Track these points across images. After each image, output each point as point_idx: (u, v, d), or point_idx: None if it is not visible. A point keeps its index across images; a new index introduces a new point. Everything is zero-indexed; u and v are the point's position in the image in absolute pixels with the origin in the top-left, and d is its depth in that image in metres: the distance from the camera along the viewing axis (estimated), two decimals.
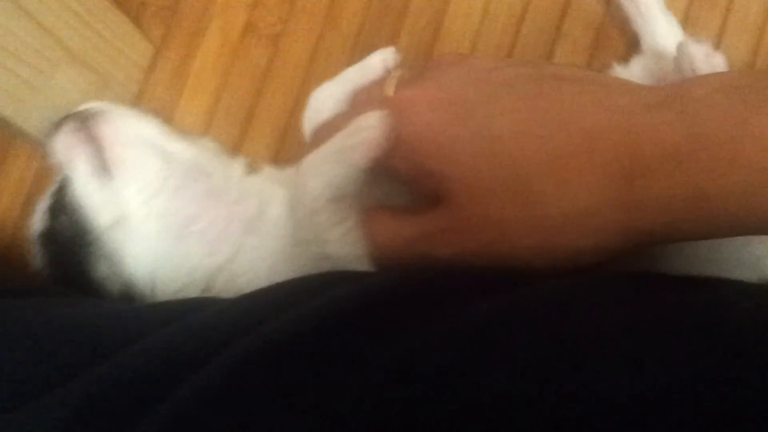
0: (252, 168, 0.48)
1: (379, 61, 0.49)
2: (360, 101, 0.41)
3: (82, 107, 0.44)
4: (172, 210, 0.40)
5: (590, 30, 0.52)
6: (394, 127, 0.34)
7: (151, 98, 0.54)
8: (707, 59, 0.41)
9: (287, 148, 0.53)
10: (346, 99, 0.45)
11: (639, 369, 0.25)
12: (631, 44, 0.51)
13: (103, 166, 0.40)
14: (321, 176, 0.36)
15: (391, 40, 0.53)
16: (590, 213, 0.31)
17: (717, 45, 0.51)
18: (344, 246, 0.37)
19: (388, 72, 0.48)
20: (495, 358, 0.27)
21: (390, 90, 0.38)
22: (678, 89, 0.31)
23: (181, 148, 0.43)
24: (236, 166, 0.46)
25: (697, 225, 0.30)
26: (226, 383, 0.27)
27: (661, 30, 0.50)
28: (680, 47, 0.42)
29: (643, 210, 0.30)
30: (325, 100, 0.47)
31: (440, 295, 0.32)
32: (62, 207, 0.41)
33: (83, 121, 0.42)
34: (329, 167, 0.36)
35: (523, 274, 0.32)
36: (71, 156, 0.41)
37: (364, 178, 0.36)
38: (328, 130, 0.38)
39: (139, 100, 0.53)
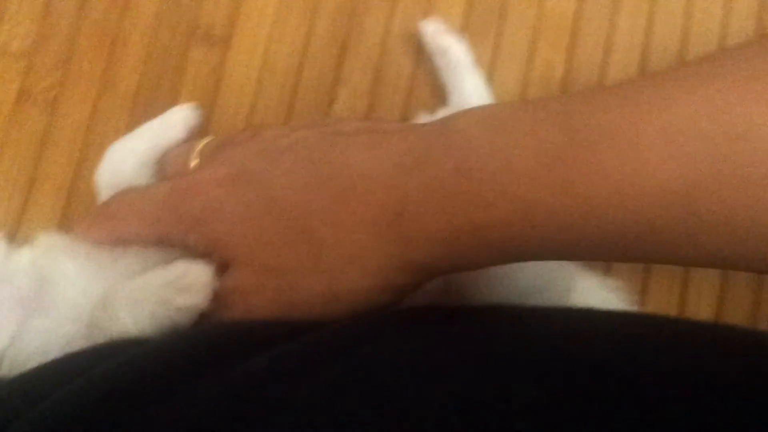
0: (25, 239, 0.47)
1: (180, 119, 0.49)
2: (167, 173, 0.43)
3: None
4: None
5: (369, 74, 0.53)
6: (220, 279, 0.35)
7: None
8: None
9: (73, 211, 0.51)
10: (148, 160, 0.46)
11: (400, 403, 0.26)
12: (437, 94, 0.53)
13: None
14: (134, 313, 0.36)
15: (172, 97, 0.53)
16: (368, 251, 0.32)
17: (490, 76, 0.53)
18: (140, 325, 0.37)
19: (189, 133, 0.48)
20: (272, 408, 0.27)
21: (192, 162, 0.40)
22: (442, 125, 0.33)
23: None
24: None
25: (478, 254, 0.31)
26: None
27: (469, 86, 0.52)
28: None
29: (417, 245, 0.31)
30: (125, 157, 0.47)
31: (219, 352, 0.31)
32: None
33: None
34: (145, 307, 0.36)
35: (318, 321, 0.33)
36: None
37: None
38: (136, 202, 0.39)
39: None
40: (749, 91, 0.26)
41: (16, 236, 0.50)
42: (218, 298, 0.35)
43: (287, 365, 0.29)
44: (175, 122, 0.48)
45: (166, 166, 0.44)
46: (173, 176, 0.42)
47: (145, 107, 0.52)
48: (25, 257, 0.43)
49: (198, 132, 0.48)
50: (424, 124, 0.34)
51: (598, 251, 0.30)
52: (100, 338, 0.38)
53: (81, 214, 0.51)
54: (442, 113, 0.51)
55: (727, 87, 0.26)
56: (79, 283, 0.40)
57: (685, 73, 0.28)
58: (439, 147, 0.31)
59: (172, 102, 0.52)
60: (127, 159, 0.47)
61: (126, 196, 0.40)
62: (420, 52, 0.53)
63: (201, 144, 0.41)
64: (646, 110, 0.27)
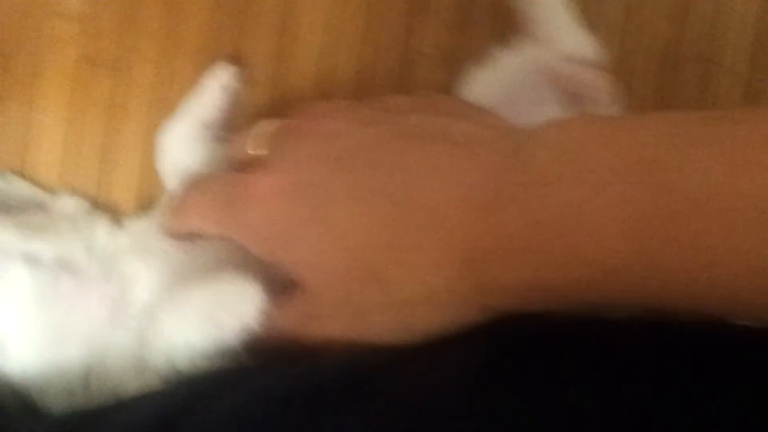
0: (115, 223, 0.45)
1: (217, 85, 0.47)
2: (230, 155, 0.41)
3: None
4: (40, 323, 0.39)
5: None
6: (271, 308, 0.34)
7: None
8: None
9: (149, 184, 0.49)
10: (197, 135, 0.46)
11: None
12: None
13: None
14: (182, 336, 0.36)
15: (241, 49, 0.49)
16: (440, 293, 0.30)
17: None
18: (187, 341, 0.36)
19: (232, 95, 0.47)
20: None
21: (250, 148, 0.38)
22: (517, 153, 0.30)
23: (42, 246, 0.41)
24: (99, 232, 0.44)
25: (557, 305, 0.30)
26: None
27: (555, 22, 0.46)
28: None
29: (491, 293, 0.30)
30: (176, 142, 0.47)
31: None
32: None
33: None
34: (194, 331, 0.35)
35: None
36: None
37: None
38: (199, 201, 0.38)
39: None
40: None
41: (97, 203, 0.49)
42: (298, 323, 0.34)
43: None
44: (212, 89, 0.47)
45: (233, 144, 0.43)
46: (234, 165, 0.40)
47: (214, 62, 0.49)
48: (117, 251, 0.42)
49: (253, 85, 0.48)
50: (500, 136, 0.32)
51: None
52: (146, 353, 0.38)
53: (156, 184, 0.48)
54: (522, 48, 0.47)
55: None
56: (154, 287, 0.40)
57: None
58: (510, 188, 0.29)
59: (243, 55, 0.49)
60: (179, 144, 0.46)
61: (192, 190, 0.40)
62: None
63: (264, 127, 0.39)
64: (742, 172, 0.24)
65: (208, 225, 0.37)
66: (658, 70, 0.48)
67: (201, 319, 0.35)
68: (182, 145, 0.46)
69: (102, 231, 0.44)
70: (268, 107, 0.49)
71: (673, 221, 0.25)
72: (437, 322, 0.32)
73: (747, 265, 0.24)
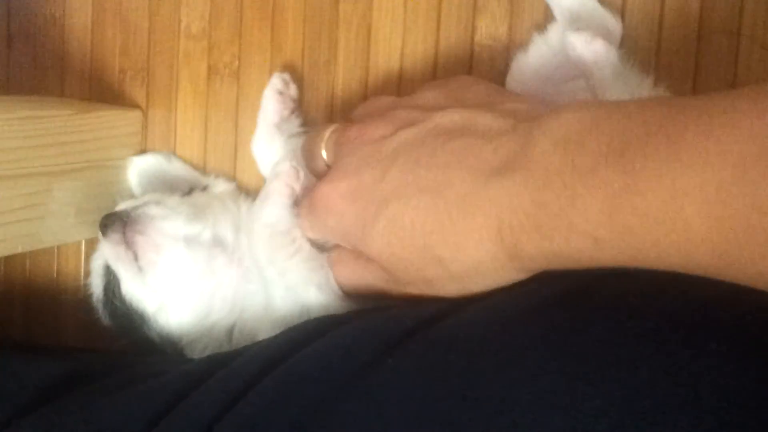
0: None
1: (274, 92, 0.57)
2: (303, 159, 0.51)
3: (121, 207, 0.53)
4: (196, 290, 0.52)
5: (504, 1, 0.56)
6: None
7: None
8: (587, 47, 0.45)
9: None
10: (272, 137, 0.57)
11: None
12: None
13: (140, 268, 0.51)
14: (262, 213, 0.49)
15: (331, 53, 0.59)
16: (484, 264, 0.38)
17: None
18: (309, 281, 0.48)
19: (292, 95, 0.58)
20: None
21: (320, 148, 0.48)
22: (527, 140, 0.36)
23: (200, 229, 0.53)
24: (242, 211, 0.56)
25: (574, 266, 0.35)
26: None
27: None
28: (564, 37, 0.47)
29: (523, 259, 0.37)
30: (257, 146, 0.58)
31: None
32: (114, 294, 0.52)
33: (122, 226, 0.51)
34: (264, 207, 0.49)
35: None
36: (115, 259, 0.51)
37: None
38: (302, 209, 0.48)
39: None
40: None
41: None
42: (381, 282, 0.44)
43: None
44: (271, 97, 0.57)
45: (302, 148, 0.52)
46: (309, 164, 0.50)
47: (310, 65, 0.59)
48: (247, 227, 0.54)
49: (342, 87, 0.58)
50: (513, 126, 0.38)
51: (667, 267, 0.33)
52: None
53: None
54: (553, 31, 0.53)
55: (756, 155, 0.27)
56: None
57: (725, 122, 0.29)
58: (522, 173, 0.35)
59: (333, 57, 0.59)
60: (258, 147, 0.58)
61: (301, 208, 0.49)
62: None
63: (327, 133, 0.48)
64: (688, 165, 0.29)
65: (306, 232, 0.48)
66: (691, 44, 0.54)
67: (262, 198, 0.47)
68: (262, 147, 0.58)
69: (244, 210, 0.57)
70: (356, 98, 0.60)
71: (638, 198, 0.31)
72: (489, 284, 0.39)
73: (691, 237, 0.30)
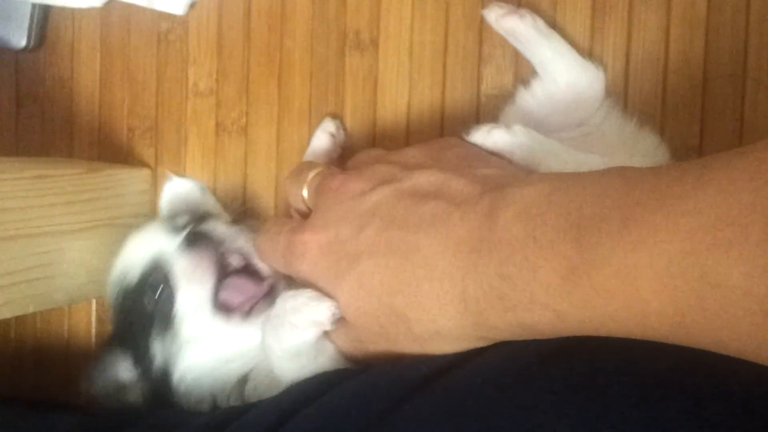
0: None
1: (327, 135, 0.58)
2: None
3: (208, 227, 0.52)
4: (213, 355, 0.50)
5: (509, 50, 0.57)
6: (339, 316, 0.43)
7: None
8: (487, 138, 0.47)
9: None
10: None
11: None
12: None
13: (217, 301, 0.49)
14: (277, 340, 0.45)
15: (338, 106, 0.60)
16: (447, 329, 0.38)
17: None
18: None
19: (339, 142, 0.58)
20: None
21: (302, 189, 0.48)
22: (491, 214, 0.36)
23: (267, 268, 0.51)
24: None
25: (535, 337, 0.36)
26: None
27: (546, 54, 0.54)
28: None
29: (485, 329, 0.37)
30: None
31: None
32: (152, 288, 0.50)
33: (216, 247, 0.50)
34: (277, 325, 0.45)
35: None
36: (194, 274, 0.49)
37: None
38: (267, 247, 0.48)
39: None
40: (719, 239, 0.27)
41: None
42: (342, 338, 0.43)
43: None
44: (322, 139, 0.58)
45: (286, 184, 0.51)
46: (294, 204, 0.49)
47: (318, 118, 0.60)
48: None
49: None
50: (483, 194, 0.38)
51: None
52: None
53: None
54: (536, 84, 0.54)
55: (703, 228, 0.28)
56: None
57: (676, 194, 0.30)
58: (486, 245, 0.36)
59: (340, 109, 0.60)
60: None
61: (265, 240, 0.48)
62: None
63: (310, 175, 0.48)
64: (639, 240, 0.30)
65: (275, 266, 0.48)
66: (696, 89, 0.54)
67: (283, 322, 0.43)
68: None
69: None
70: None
71: (593, 272, 0.31)
72: (448, 349, 0.39)
73: (646, 309, 0.30)
